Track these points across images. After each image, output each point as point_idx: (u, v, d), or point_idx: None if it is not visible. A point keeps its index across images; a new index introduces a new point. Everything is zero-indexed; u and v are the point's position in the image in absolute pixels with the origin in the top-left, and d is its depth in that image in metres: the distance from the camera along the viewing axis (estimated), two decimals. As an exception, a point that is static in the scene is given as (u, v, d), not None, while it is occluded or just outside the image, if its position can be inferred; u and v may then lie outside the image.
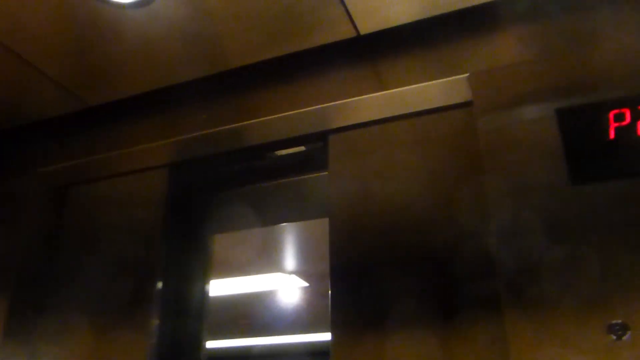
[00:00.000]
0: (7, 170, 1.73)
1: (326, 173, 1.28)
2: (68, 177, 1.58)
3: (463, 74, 1.19)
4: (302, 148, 1.41)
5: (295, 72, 1.42)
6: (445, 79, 1.21)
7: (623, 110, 1.04)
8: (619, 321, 0.92)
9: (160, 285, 1.35)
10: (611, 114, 1.05)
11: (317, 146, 1.36)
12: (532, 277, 0.99)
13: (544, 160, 1.06)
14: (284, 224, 1.59)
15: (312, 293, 3.50)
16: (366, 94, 1.30)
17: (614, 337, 0.91)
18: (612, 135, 1.04)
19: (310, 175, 1.47)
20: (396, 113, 1.25)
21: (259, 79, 1.46)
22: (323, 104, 1.34)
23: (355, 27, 1.33)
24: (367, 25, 1.33)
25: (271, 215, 1.54)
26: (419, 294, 1.10)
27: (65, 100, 1.58)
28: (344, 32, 1.35)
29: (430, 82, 1.23)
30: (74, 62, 1.45)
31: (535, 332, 0.95)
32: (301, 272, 3.16)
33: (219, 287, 3.27)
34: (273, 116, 1.37)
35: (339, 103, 1.31)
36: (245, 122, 1.39)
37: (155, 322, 1.31)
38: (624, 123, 1.03)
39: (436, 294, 1.08)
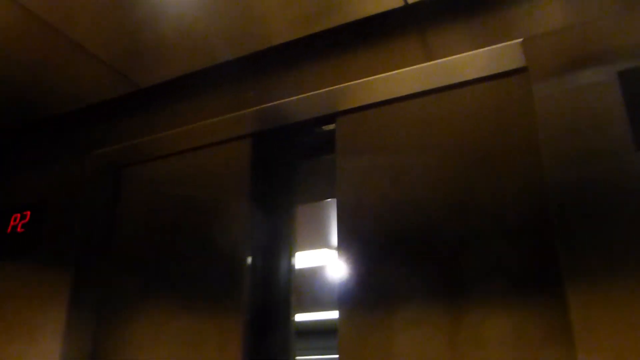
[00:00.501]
0: (65, 153, 1.79)
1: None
2: (139, 153, 1.61)
3: (516, 39, 1.15)
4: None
5: (343, 45, 1.40)
6: (497, 46, 1.18)
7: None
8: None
9: (249, 258, 1.34)
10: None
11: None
12: (596, 248, 0.96)
13: (605, 126, 1.02)
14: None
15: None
16: (413, 65, 1.28)
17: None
18: (676, 96, 0.99)
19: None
20: (445, 83, 1.23)
21: (305, 53, 1.45)
22: (373, 75, 1.32)
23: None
24: (416, -7, 1.30)
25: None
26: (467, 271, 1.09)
27: (118, 82, 1.62)
28: (391, 2, 1.33)
29: (481, 50, 1.19)
30: (124, 45, 1.48)
31: (603, 310, 0.93)
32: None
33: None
34: (332, 87, 1.35)
35: (387, 75, 1.29)
36: (312, 92, 1.39)
37: (247, 295, 1.30)
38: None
39: (491, 270, 1.07)
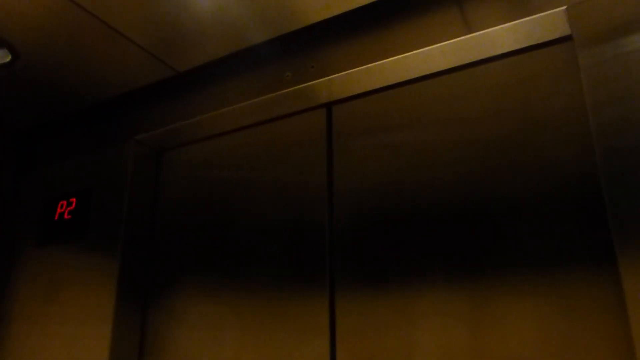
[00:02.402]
0: (108, 139, 1.83)
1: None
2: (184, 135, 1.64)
3: (559, 7, 1.13)
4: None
5: (380, 19, 1.40)
6: (540, 14, 1.16)
7: None
8: None
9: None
10: None
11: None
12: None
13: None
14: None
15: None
16: (452, 38, 1.27)
17: None
18: None
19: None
20: (485, 56, 1.22)
21: (340, 31, 1.46)
22: (413, 50, 1.31)
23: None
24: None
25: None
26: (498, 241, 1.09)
27: (157, 68, 1.64)
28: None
29: (523, 19, 1.18)
30: (161, 31, 1.50)
31: None
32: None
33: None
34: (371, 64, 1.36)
35: (426, 49, 1.29)
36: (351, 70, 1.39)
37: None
38: None
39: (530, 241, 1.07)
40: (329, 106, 1.38)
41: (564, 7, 1.13)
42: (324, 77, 1.39)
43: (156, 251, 1.63)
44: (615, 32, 1.07)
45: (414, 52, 1.30)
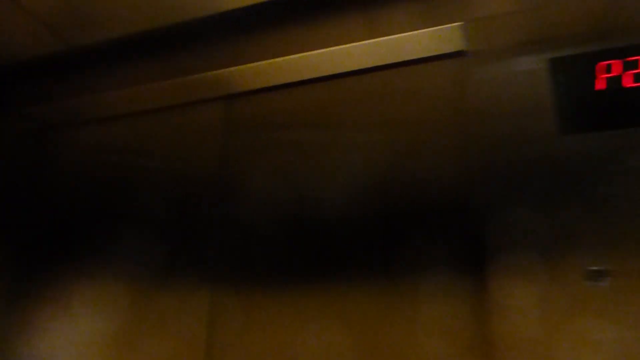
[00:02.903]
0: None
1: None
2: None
3: (457, 22, 1.18)
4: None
5: (289, 18, 1.39)
6: (438, 27, 1.20)
7: (612, 61, 1.04)
8: (598, 267, 0.95)
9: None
10: (601, 65, 1.05)
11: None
12: (519, 225, 1.01)
13: (533, 111, 1.07)
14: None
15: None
16: (357, 42, 1.29)
17: (591, 283, 0.94)
18: (601, 85, 1.05)
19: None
20: (385, 62, 1.24)
21: (249, 23, 1.43)
22: (316, 49, 1.31)
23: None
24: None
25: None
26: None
27: (51, 40, 1.53)
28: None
29: (422, 30, 1.21)
30: (59, 1, 1.40)
31: (522, 279, 0.98)
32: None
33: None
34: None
35: (335, 49, 1.29)
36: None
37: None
38: (612, 74, 1.04)
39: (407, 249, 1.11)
40: (228, 98, 1.35)
41: (461, 23, 1.17)
42: (226, 68, 1.36)
43: (36, 234, 1.52)
44: (504, 51, 1.12)
45: (317, 51, 1.30)
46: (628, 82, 1.03)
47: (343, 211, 1.17)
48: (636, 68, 1.04)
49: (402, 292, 1.09)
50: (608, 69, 1.05)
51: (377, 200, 1.15)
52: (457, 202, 1.08)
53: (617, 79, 1.04)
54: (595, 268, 0.95)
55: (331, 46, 1.31)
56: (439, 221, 1.09)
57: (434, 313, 1.05)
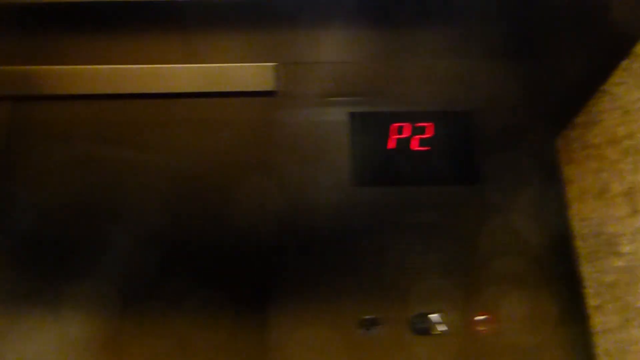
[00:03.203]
0: None
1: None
2: None
3: (272, 62, 1.19)
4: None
5: (101, 24, 1.28)
6: (254, 64, 1.20)
7: (404, 124, 1.14)
8: (370, 316, 1.00)
9: None
10: (394, 126, 1.14)
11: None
12: (302, 271, 1.04)
13: (332, 160, 1.11)
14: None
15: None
16: (177, 64, 1.24)
17: (364, 331, 1.00)
18: (392, 145, 1.13)
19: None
20: (200, 89, 1.21)
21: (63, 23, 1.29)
22: (132, 64, 1.23)
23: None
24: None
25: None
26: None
27: None
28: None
29: (239, 64, 1.21)
30: None
31: (295, 327, 1.00)
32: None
33: None
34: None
35: (155, 67, 1.22)
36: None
37: None
38: (402, 136, 1.13)
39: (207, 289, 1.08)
40: (15, 99, 1.20)
41: (275, 64, 1.19)
42: (17, 65, 1.21)
43: None
44: (312, 98, 1.16)
45: (128, 66, 1.22)
46: (415, 145, 1.13)
47: (125, 238, 1.09)
48: (423, 134, 1.14)
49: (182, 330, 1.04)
50: (400, 130, 1.14)
51: (165, 229, 1.09)
52: (246, 241, 1.07)
53: (407, 141, 1.13)
54: (368, 317, 1.01)
55: (145, 63, 1.24)
56: (226, 258, 1.07)
57: (211, 355, 1.02)
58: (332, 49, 1.24)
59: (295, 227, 1.06)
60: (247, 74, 1.20)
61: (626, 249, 0.87)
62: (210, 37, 1.27)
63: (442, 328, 1.00)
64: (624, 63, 0.86)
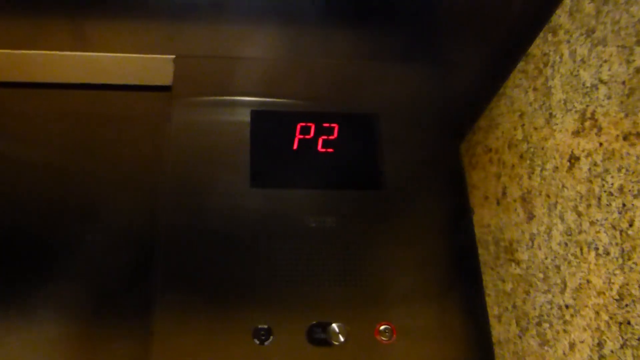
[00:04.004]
0: None
1: None
2: None
3: (167, 54, 1.11)
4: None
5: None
6: (148, 56, 1.11)
7: (309, 124, 1.08)
8: (264, 326, 0.93)
9: None
10: (299, 126, 1.08)
11: None
12: (195, 277, 0.95)
13: (228, 161, 1.04)
14: None
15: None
16: (66, 51, 1.13)
17: (258, 342, 0.92)
18: (295, 146, 1.07)
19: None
20: (89, 81, 1.11)
21: None
22: (12, 49, 1.12)
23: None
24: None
25: None
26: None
27: None
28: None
29: (132, 55, 1.11)
30: None
31: (182, 335, 0.92)
32: None
33: None
34: None
35: (35, 53, 1.11)
36: None
37: None
38: (307, 136, 1.07)
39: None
40: None
41: (171, 57, 1.11)
42: None
43: None
44: (211, 95, 1.09)
45: (9, 51, 1.11)
46: (320, 147, 1.08)
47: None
48: (329, 135, 1.09)
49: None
50: (305, 130, 1.08)
51: (42, 228, 0.99)
52: (126, 244, 0.98)
53: (313, 142, 1.08)
54: (261, 326, 0.94)
55: (29, 49, 1.12)
56: (102, 260, 0.97)
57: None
58: (237, 44, 1.18)
59: (185, 230, 0.97)
60: (142, 66, 1.11)
61: (523, 256, 0.84)
62: (97, 22, 1.16)
63: (341, 338, 0.94)
64: (520, 65, 0.84)
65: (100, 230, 1.00)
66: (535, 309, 0.81)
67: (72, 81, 1.12)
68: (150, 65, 1.10)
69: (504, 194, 0.90)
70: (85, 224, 1.00)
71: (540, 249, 0.79)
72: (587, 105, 0.67)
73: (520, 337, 0.86)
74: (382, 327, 0.97)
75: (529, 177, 0.82)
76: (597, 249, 0.66)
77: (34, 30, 1.15)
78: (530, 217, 0.82)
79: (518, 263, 0.86)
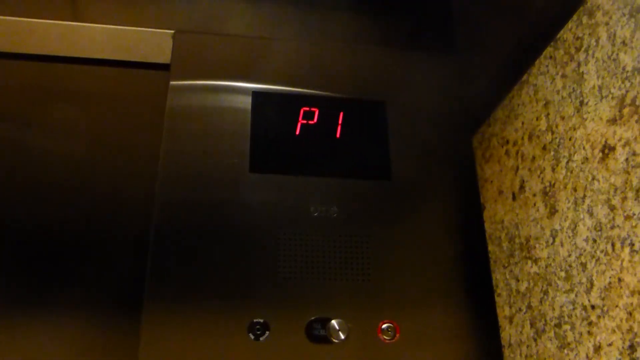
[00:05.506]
0: None
1: None
2: None
3: (166, 29, 1.04)
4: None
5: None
6: (146, 29, 1.04)
7: (313, 109, 1.02)
8: (260, 320, 0.87)
9: None
10: (302, 110, 1.02)
11: None
12: (186, 266, 0.89)
13: (228, 144, 0.98)
14: None
15: None
16: (57, 20, 1.05)
17: (253, 337, 0.86)
18: (298, 131, 1.01)
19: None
20: (82, 55, 1.04)
21: None
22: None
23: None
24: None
25: None
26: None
27: None
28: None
29: (130, 28, 1.04)
30: None
31: (172, 327, 0.85)
32: None
33: None
34: None
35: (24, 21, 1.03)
36: None
37: None
38: (311, 122, 1.02)
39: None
40: None
41: (171, 32, 1.04)
42: None
43: None
44: (211, 73, 1.02)
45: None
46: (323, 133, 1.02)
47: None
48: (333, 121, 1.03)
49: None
50: (308, 115, 1.02)
51: (22, 217, 0.91)
52: (120, 232, 0.91)
53: (315, 127, 1.02)
54: (257, 320, 0.88)
55: (20, 16, 1.05)
56: (104, 250, 0.91)
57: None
58: (240, 22, 1.12)
59: (181, 216, 0.91)
60: (140, 40, 1.04)
61: (542, 253, 0.79)
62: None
63: (342, 336, 0.88)
64: (547, 51, 0.79)
65: (87, 216, 0.92)
66: (554, 309, 0.76)
67: (59, 54, 1.04)
68: (148, 39, 1.03)
69: (521, 187, 0.85)
70: (73, 209, 0.93)
71: (562, 245, 0.74)
72: (627, 91, 0.62)
73: (535, 340, 0.81)
74: (384, 326, 0.91)
75: (553, 170, 0.77)
76: (632, 244, 0.61)
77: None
78: (553, 212, 0.77)
79: (535, 261, 0.81)
